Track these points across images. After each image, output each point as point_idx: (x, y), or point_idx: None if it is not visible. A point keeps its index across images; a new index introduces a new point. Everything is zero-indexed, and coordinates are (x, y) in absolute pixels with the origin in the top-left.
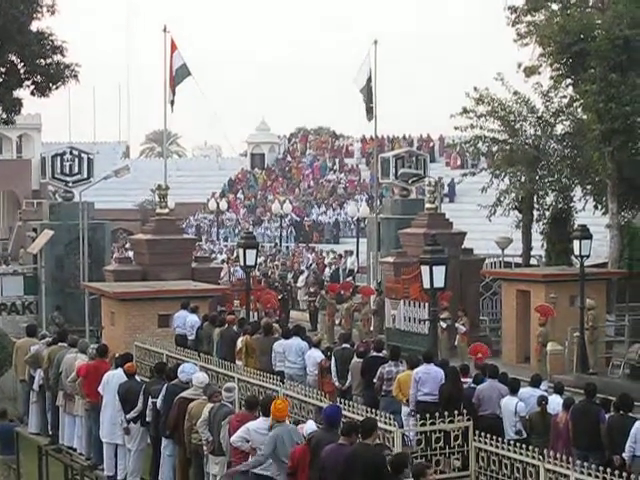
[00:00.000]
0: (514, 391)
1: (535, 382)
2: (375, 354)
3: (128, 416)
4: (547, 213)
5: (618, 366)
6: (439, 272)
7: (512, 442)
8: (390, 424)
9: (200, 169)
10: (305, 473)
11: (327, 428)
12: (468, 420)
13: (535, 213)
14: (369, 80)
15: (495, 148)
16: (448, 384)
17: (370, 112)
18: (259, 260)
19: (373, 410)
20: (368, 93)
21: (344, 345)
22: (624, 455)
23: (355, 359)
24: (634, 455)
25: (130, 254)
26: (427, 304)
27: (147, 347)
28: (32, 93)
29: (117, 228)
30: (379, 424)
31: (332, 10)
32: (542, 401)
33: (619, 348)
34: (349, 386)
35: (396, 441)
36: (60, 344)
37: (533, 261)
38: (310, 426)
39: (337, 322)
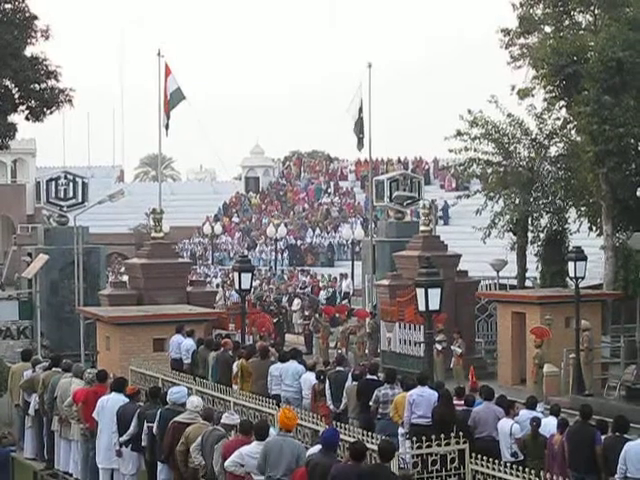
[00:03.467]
0: (510, 413)
1: (531, 404)
2: (370, 377)
3: (121, 439)
4: (542, 235)
5: (614, 387)
6: (434, 294)
7: (508, 464)
8: None
9: (195, 193)
10: None
11: (325, 451)
12: (464, 443)
13: (530, 235)
14: (360, 110)
15: (489, 170)
16: (440, 406)
17: (360, 142)
18: (254, 284)
19: (369, 433)
20: (360, 124)
21: (338, 368)
22: (616, 477)
23: (350, 382)
24: (625, 476)
25: (125, 278)
26: (422, 326)
27: (142, 371)
28: (27, 118)
29: (112, 252)
30: (373, 446)
31: (327, 35)
32: (534, 423)
33: (615, 369)
34: (344, 409)
35: (393, 463)
36: (54, 369)
37: (528, 283)
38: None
39: (332, 345)
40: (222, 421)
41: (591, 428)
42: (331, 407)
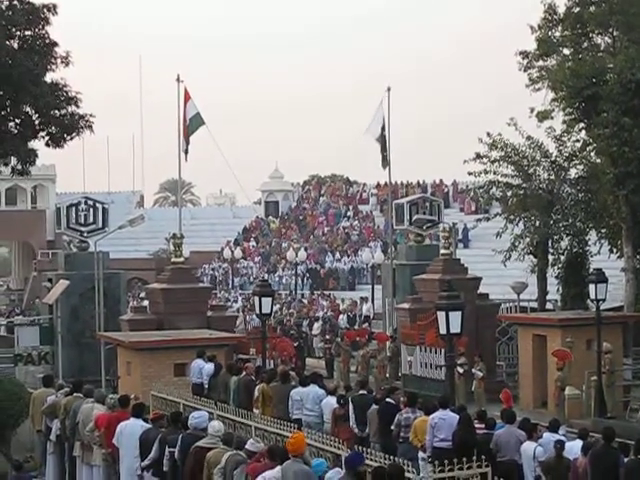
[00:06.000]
0: (532, 436)
1: (553, 427)
2: (390, 400)
3: (142, 464)
4: (562, 257)
5: (636, 410)
6: (455, 318)
7: None
8: (409, 470)
9: (214, 217)
10: None
11: (347, 474)
12: (486, 466)
13: (550, 257)
14: (383, 128)
15: (509, 193)
16: (461, 430)
17: (385, 160)
18: (274, 308)
19: (391, 457)
20: (382, 142)
21: (361, 391)
22: None
23: (373, 406)
24: None
25: (145, 303)
26: (443, 350)
27: (163, 396)
28: (47, 144)
29: (132, 277)
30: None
31: (346, 58)
32: (558, 445)
33: (637, 392)
34: (368, 433)
35: None
36: (75, 394)
37: (549, 305)
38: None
39: (353, 369)
40: (246, 447)
41: (614, 451)
42: (356, 431)
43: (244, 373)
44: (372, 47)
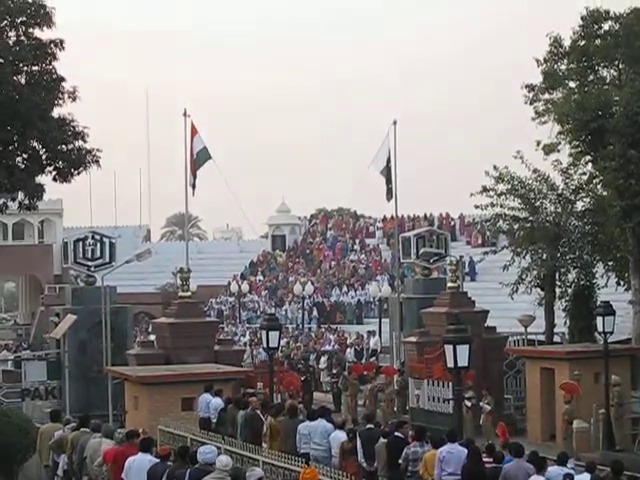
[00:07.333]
0: (541, 470)
1: (562, 460)
2: (398, 434)
3: None
4: (569, 290)
5: None
6: (463, 351)
7: None
8: None
9: (221, 252)
10: None
11: None
12: None
13: (557, 290)
14: (388, 161)
15: (516, 226)
16: (469, 463)
17: (390, 193)
18: (282, 342)
19: None
20: (387, 174)
21: (369, 425)
22: None
23: (381, 440)
24: None
25: (152, 337)
26: (451, 383)
27: (171, 431)
28: (54, 179)
29: (139, 312)
30: None
31: (351, 92)
32: (567, 479)
33: None
34: (376, 467)
35: None
36: (82, 429)
37: (556, 338)
38: None
39: (360, 403)
40: (217, 465)
41: None
42: (364, 465)
43: (250, 407)
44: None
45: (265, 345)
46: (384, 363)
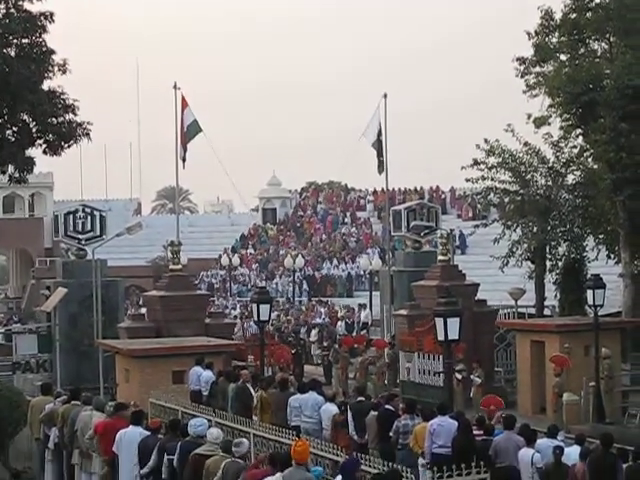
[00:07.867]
0: (531, 442)
1: (552, 433)
2: (388, 407)
3: (142, 472)
4: (560, 263)
5: (634, 415)
6: (453, 324)
7: None
8: (407, 477)
9: (212, 225)
10: None
11: None
12: (485, 472)
13: (548, 263)
14: (379, 134)
15: (506, 199)
16: (459, 436)
17: (381, 166)
18: (272, 315)
19: (390, 463)
20: (379, 147)
21: (359, 398)
22: None
23: (372, 412)
24: None
25: (143, 311)
26: (441, 356)
27: (162, 404)
28: (44, 152)
29: (130, 285)
30: None
31: (343, 65)
32: (557, 451)
33: (635, 397)
34: (367, 440)
35: None
36: (73, 402)
37: (547, 311)
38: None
39: (351, 376)
40: (234, 454)
41: (612, 456)
42: (355, 438)
43: (241, 380)
44: (371, 53)
45: (256, 318)
46: (375, 336)
